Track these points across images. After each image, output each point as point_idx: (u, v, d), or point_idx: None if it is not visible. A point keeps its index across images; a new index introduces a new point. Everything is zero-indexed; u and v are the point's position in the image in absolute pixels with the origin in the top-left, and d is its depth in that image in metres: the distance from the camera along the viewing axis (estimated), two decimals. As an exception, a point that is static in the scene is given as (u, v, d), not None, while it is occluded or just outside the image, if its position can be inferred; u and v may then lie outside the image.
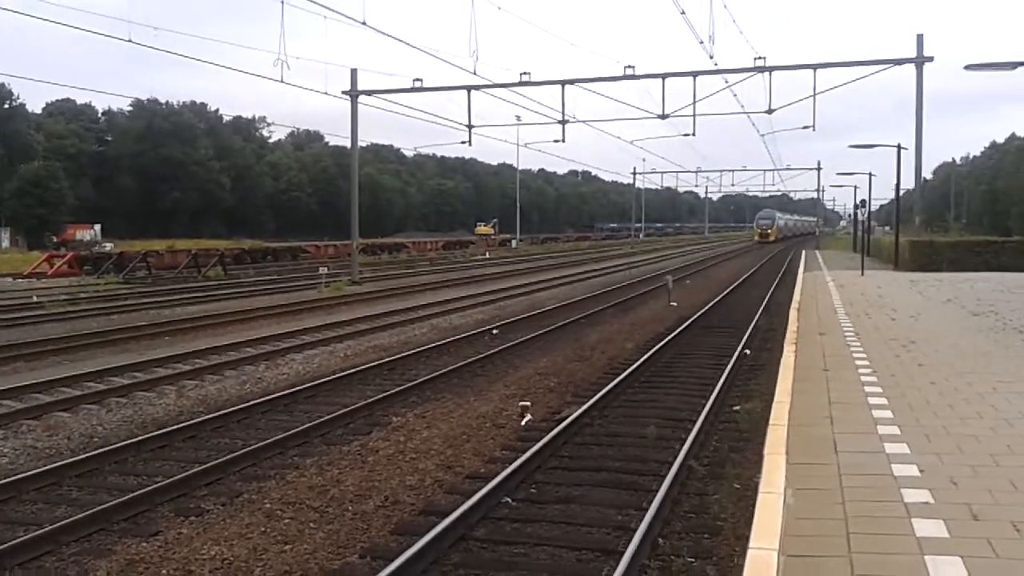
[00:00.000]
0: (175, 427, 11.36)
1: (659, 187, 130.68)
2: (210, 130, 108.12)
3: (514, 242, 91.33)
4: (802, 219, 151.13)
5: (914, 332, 14.46)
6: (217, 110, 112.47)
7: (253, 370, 15.92)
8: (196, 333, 20.86)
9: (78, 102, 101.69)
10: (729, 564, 6.71)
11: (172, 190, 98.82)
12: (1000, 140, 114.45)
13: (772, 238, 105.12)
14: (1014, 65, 19.31)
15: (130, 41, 26.71)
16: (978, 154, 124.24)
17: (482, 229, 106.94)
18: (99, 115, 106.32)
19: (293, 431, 10.97)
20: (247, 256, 51.85)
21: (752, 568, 4.62)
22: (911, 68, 32.95)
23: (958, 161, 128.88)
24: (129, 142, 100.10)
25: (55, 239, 60.76)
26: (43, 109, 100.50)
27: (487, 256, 66.77)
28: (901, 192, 43.61)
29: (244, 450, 10.10)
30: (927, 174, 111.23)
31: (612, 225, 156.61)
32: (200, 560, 7.06)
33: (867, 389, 9.42)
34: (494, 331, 20.74)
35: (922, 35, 32.67)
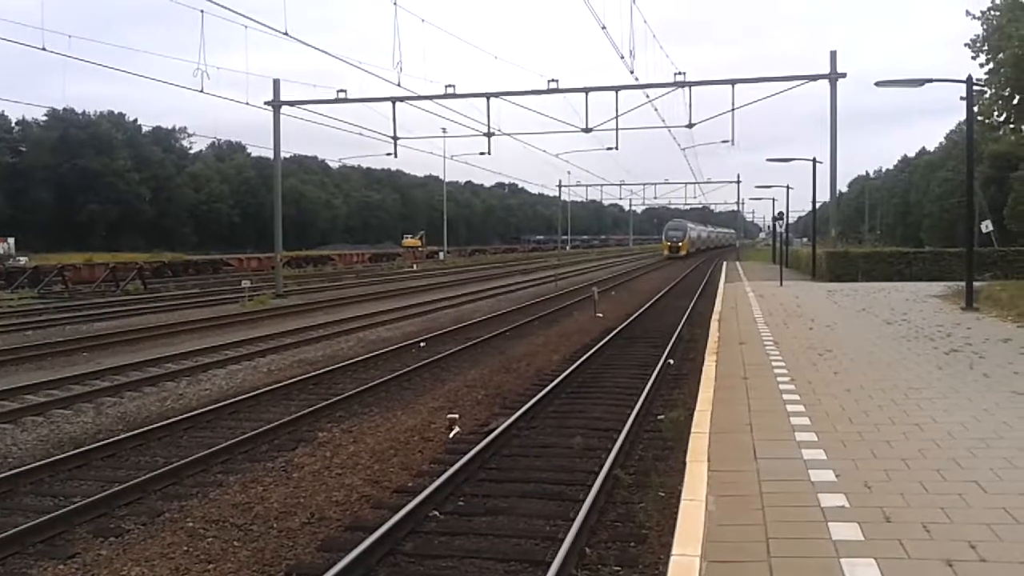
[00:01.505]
0: (93, 446, 11.09)
1: (584, 200, 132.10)
2: (128, 140, 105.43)
3: (442, 254, 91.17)
4: (718, 230, 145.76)
5: (830, 341, 14.87)
6: (136, 120, 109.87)
7: (174, 386, 15.62)
8: (115, 349, 20.36)
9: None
10: (654, 572, 6.81)
11: (89, 202, 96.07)
12: (911, 154, 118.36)
13: (683, 252, 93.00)
14: (922, 82, 20.11)
15: (44, 49, 26.04)
16: (891, 167, 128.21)
17: (409, 241, 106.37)
18: (12, 125, 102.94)
19: (216, 448, 10.80)
20: (167, 269, 50.81)
21: (675, 574, 4.72)
22: (825, 84, 33.97)
23: (872, 174, 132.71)
24: (44, 153, 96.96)
25: (-35, 253, 58.65)
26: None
27: (414, 268, 66.51)
28: (818, 204, 44.90)
29: (165, 468, 9.91)
30: (842, 187, 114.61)
31: (539, 237, 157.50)
32: (120, 582, 6.91)
33: (785, 397, 9.67)
34: (421, 344, 20.69)
35: (835, 52, 33.79)
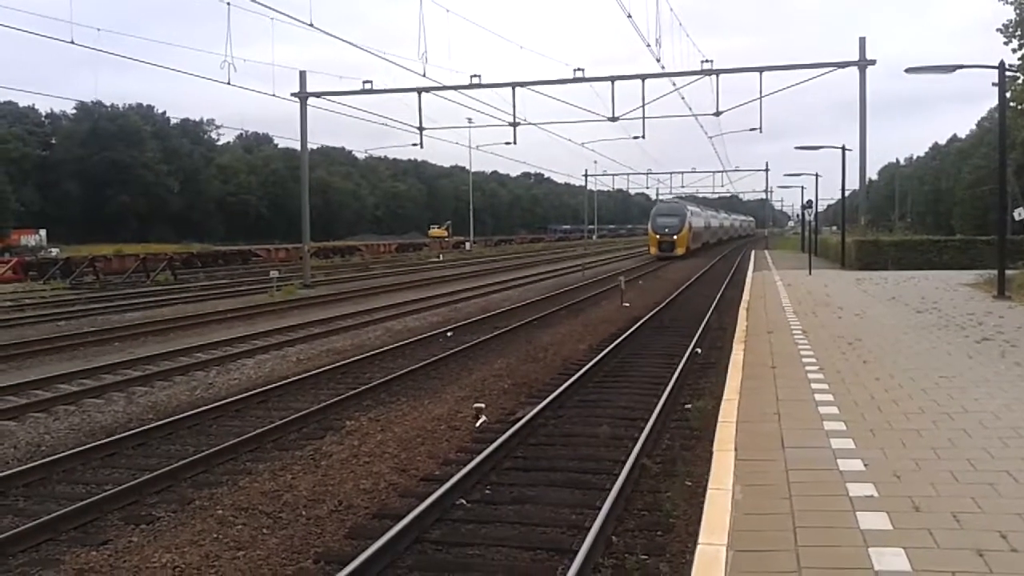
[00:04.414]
0: (124, 434, 11.22)
1: (611, 189, 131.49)
2: (157, 133, 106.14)
3: (468, 244, 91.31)
4: (734, 217, 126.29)
5: (859, 330, 14.74)
6: (164, 112, 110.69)
7: (204, 376, 15.76)
8: (145, 339, 20.58)
9: (20, 105, 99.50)
10: (681, 560, 6.79)
11: (118, 194, 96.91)
12: (942, 141, 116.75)
13: (680, 250, 64.00)
14: (953, 68, 19.81)
15: (73, 43, 26.28)
16: (921, 155, 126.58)
17: (435, 231, 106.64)
18: (43, 118, 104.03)
19: (245, 436, 10.88)
20: (197, 260, 51.26)
21: (701, 563, 4.71)
22: (855, 71, 33.58)
23: (902, 162, 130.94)
24: (74, 145, 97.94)
25: (-1, 244, 59.54)
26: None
27: (441, 258, 66.64)
28: (847, 192, 44.47)
29: (195, 456, 10.00)
30: (872, 174, 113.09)
31: (565, 227, 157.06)
32: (151, 568, 6.99)
33: (814, 386, 9.60)
34: (448, 333, 20.73)
35: (864, 39, 33.35)
